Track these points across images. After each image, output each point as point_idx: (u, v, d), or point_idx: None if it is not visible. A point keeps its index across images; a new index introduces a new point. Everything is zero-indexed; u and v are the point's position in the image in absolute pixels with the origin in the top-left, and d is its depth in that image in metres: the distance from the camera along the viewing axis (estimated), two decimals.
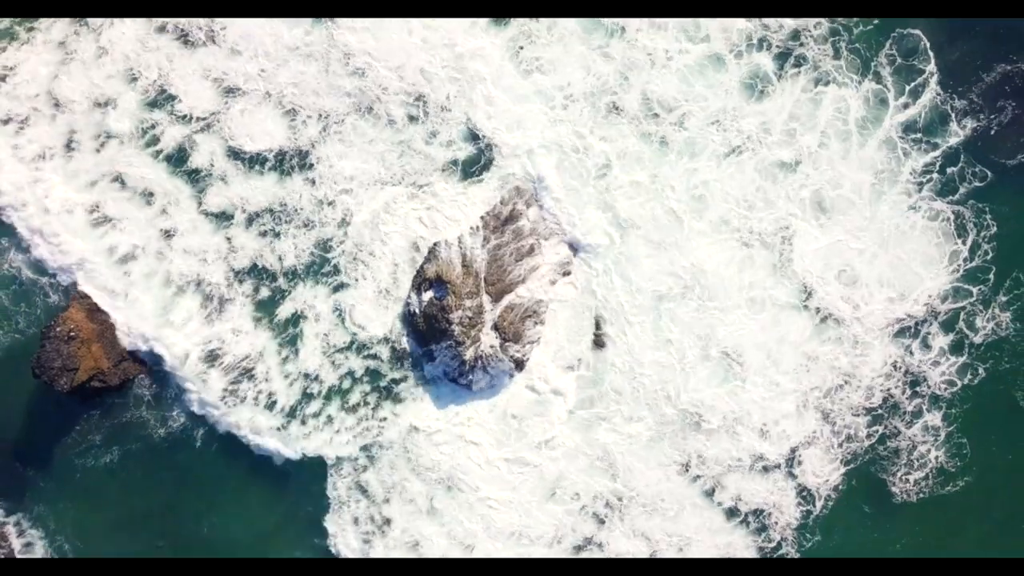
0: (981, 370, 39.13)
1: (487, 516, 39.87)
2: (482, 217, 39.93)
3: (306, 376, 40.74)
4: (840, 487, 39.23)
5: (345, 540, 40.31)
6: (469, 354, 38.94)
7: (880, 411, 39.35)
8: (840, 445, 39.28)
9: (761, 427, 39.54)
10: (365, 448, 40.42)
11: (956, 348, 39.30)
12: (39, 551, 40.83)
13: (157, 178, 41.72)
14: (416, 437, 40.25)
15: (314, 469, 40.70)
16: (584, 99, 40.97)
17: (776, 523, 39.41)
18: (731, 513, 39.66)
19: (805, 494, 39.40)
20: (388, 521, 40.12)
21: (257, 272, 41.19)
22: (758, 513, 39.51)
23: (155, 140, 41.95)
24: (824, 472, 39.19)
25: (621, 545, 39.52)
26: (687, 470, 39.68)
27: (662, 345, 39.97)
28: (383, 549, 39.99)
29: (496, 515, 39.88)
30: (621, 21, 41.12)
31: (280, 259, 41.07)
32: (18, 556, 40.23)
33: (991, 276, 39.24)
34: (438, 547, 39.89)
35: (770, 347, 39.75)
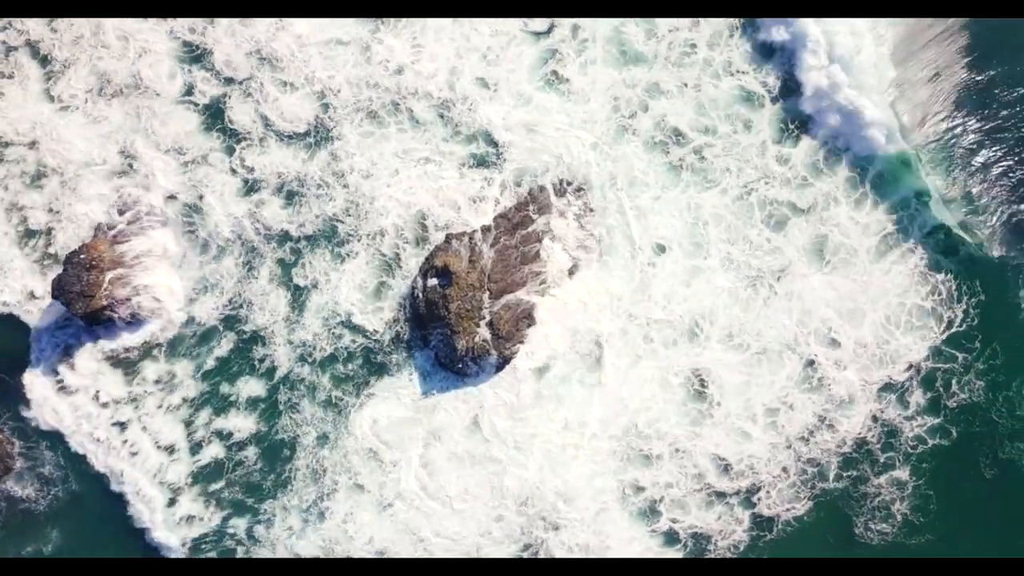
0: (954, 432, 39.38)
1: (438, 510, 40.92)
2: (495, 219, 41.89)
3: (303, 344, 42.85)
4: (805, 517, 39.55)
5: (285, 522, 41.74)
6: (462, 344, 40.79)
7: (855, 455, 39.71)
8: (807, 483, 39.71)
9: (719, 460, 40.11)
10: (334, 426, 42.10)
11: (932, 408, 39.61)
12: (48, 462, 43.30)
13: (189, 132, 44.29)
14: (385, 421, 41.83)
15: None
16: (604, 120, 42.59)
17: (716, 545, 39.96)
18: (671, 538, 40.25)
19: (760, 521, 39.86)
20: (327, 509, 41.43)
21: (277, 239, 43.43)
22: (698, 536, 40.07)
23: (189, 92, 44.54)
24: (785, 503, 39.69)
25: (561, 555, 40.30)
26: (625, 497, 40.37)
27: (635, 372, 41.03)
28: (318, 539, 41.23)
29: (447, 510, 40.94)
30: (653, 49, 42.72)
31: (301, 227, 43.28)
32: (21, 461, 42.98)
33: (976, 344, 39.52)
34: (381, 539, 40.93)
35: (748, 389, 40.35)
